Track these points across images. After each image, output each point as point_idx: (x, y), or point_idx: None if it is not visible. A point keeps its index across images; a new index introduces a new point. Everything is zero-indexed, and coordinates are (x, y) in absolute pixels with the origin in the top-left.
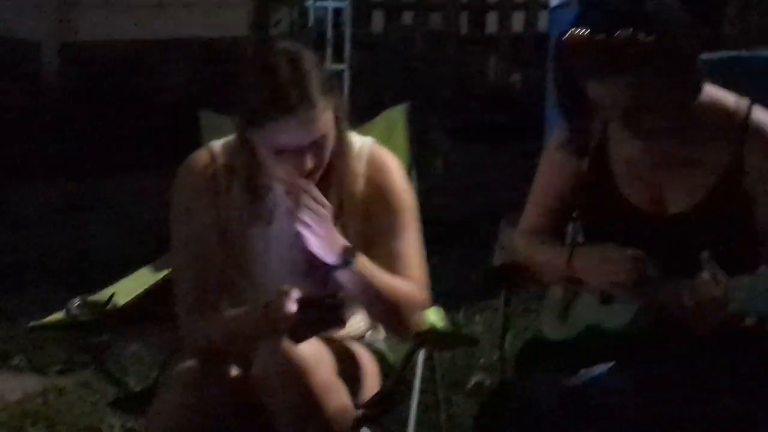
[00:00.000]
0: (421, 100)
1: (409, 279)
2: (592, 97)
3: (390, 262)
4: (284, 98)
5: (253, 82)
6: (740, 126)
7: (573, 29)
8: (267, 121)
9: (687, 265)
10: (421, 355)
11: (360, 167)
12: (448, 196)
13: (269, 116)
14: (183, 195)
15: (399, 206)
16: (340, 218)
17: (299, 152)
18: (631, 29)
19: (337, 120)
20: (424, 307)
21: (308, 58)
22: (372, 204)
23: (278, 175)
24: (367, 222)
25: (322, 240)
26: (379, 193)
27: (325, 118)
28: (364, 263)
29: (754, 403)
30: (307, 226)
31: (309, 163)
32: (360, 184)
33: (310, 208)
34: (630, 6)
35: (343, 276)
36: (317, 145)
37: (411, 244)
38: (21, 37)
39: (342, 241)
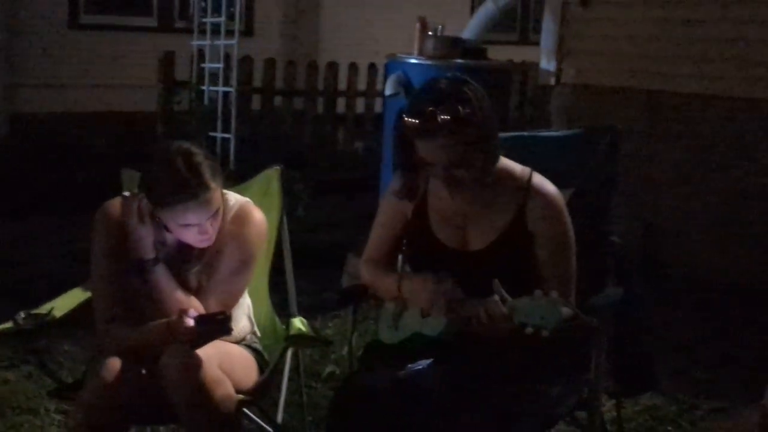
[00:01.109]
0: (287, 161)
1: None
2: (421, 155)
3: (208, 285)
4: (186, 187)
5: (159, 175)
6: (524, 187)
7: (412, 103)
8: (174, 205)
9: (483, 289)
10: (288, 352)
11: (227, 222)
12: (309, 233)
13: (175, 201)
14: (98, 233)
15: (243, 255)
16: (211, 258)
17: (200, 223)
18: (453, 104)
19: (222, 194)
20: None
21: (199, 153)
22: (228, 249)
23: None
24: (224, 258)
25: (136, 245)
26: (234, 242)
27: (217, 196)
28: (159, 273)
29: (530, 385)
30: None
31: (209, 230)
32: (225, 235)
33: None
34: (453, 88)
35: (146, 275)
36: (213, 216)
37: (231, 281)
38: None
39: (150, 254)
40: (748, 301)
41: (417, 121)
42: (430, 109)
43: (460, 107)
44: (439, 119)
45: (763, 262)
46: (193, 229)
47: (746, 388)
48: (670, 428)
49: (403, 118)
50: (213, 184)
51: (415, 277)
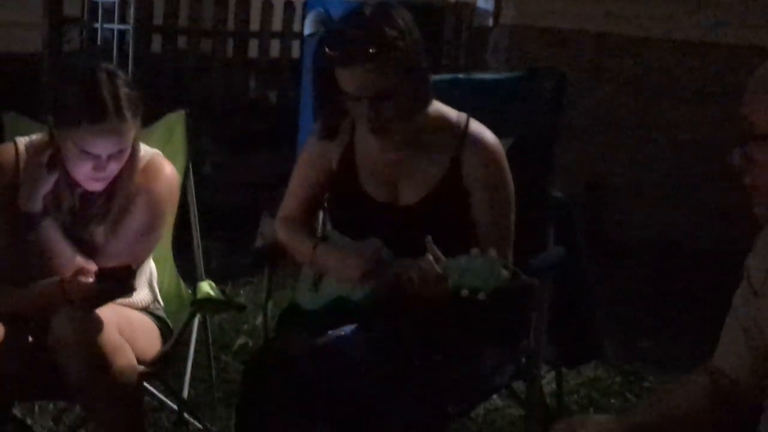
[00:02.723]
0: (192, 111)
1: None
2: (344, 87)
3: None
4: (102, 106)
5: (75, 89)
6: (460, 135)
7: (333, 30)
8: (82, 122)
9: (415, 248)
10: (195, 321)
11: (137, 175)
12: (216, 191)
13: (85, 118)
14: None
15: (152, 212)
16: (118, 215)
17: (101, 157)
18: (379, 27)
19: (135, 138)
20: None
21: (126, 80)
22: (135, 206)
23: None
24: (132, 215)
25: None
26: (143, 198)
27: (130, 134)
28: (48, 228)
29: (463, 353)
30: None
31: (107, 170)
32: (134, 190)
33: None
34: (377, 12)
35: (33, 229)
36: (117, 155)
37: (137, 242)
38: None
39: (38, 207)
40: (697, 263)
41: (339, 47)
42: (353, 31)
43: (386, 28)
44: (363, 43)
45: (713, 222)
46: (89, 162)
47: (695, 358)
48: (614, 401)
49: (324, 46)
50: (129, 117)
51: (333, 247)
